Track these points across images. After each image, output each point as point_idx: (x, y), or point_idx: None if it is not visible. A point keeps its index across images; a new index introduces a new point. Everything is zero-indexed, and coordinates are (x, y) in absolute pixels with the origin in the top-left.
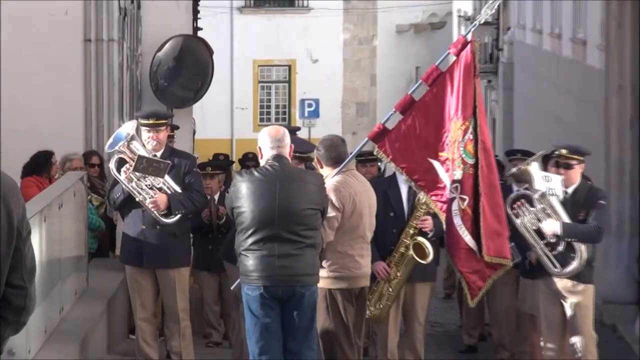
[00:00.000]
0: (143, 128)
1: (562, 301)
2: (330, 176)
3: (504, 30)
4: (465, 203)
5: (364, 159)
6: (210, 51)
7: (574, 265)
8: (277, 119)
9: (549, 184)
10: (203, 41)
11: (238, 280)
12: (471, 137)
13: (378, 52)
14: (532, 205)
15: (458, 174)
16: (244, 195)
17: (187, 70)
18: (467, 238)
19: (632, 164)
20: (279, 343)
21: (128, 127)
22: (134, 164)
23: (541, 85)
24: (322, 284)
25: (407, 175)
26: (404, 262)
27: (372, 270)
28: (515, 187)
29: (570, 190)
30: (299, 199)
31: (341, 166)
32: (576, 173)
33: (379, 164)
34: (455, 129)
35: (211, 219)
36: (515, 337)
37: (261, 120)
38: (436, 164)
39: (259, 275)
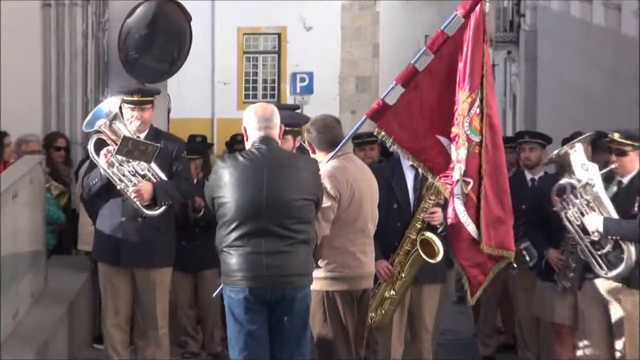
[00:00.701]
0: (126, 105)
1: (608, 306)
2: (324, 161)
3: None
4: (469, 187)
5: (362, 141)
6: (187, 17)
7: (621, 267)
8: (264, 96)
9: (588, 174)
10: (179, 5)
11: (221, 287)
12: (477, 111)
13: (381, 19)
14: (575, 196)
15: (462, 153)
16: (226, 183)
17: (161, 39)
18: (470, 227)
19: None
20: (265, 353)
21: (110, 104)
22: (117, 146)
23: (569, 57)
24: (318, 285)
25: (413, 156)
26: (410, 261)
27: (375, 269)
28: (528, 175)
29: (625, 180)
30: (290, 187)
31: (336, 150)
32: (632, 160)
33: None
34: (460, 101)
35: (186, 212)
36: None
37: (246, 97)
38: (445, 141)
39: (243, 276)
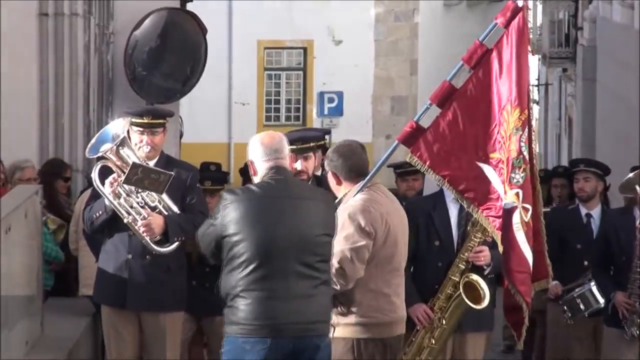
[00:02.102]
0: (134, 129)
1: None
2: (351, 193)
3: (585, 3)
4: (529, 215)
5: (405, 171)
6: (202, 29)
7: None
8: (288, 118)
9: None
10: (193, 16)
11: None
12: (532, 129)
13: (420, 31)
14: None
15: (519, 177)
16: (238, 219)
17: (173, 54)
18: (530, 259)
19: None
20: None
21: (117, 127)
22: (126, 173)
23: (632, 76)
24: (348, 332)
25: (451, 185)
26: (452, 307)
27: (410, 315)
28: (583, 210)
29: None
30: (312, 221)
31: (366, 179)
32: None
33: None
34: (511, 120)
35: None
36: None
37: (268, 119)
38: (487, 168)
39: (263, 324)
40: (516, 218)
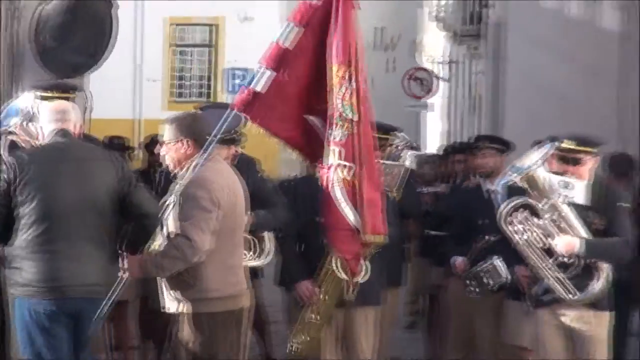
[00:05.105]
0: (42, 103)
1: (570, 333)
2: (195, 162)
3: None
4: (350, 172)
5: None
6: (110, 5)
7: (593, 290)
8: (196, 94)
9: (568, 191)
10: None
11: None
12: (354, 85)
13: None
14: (537, 216)
15: (339, 134)
16: (21, 180)
17: (81, 29)
18: (352, 217)
19: None
20: None
21: (25, 101)
22: None
23: (541, 54)
24: (196, 307)
25: (293, 147)
26: (332, 281)
27: (296, 292)
28: (485, 185)
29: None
30: (96, 183)
31: (208, 150)
32: (587, 170)
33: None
34: (332, 76)
35: None
36: None
37: (176, 95)
38: (319, 122)
39: (48, 286)
40: (334, 175)
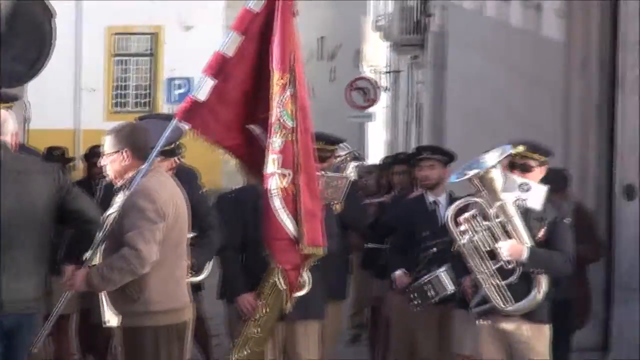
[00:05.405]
0: None
1: (508, 345)
2: (141, 174)
3: None
4: (287, 180)
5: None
6: (49, 13)
7: (534, 299)
8: (136, 104)
9: (526, 195)
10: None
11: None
12: (291, 92)
13: None
14: (485, 218)
15: (277, 142)
16: None
17: (19, 37)
18: (291, 226)
19: (598, 166)
20: None
21: None
22: None
23: (483, 63)
24: (140, 320)
25: (236, 156)
26: (274, 294)
27: (238, 305)
28: (429, 197)
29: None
30: (35, 195)
31: (149, 161)
32: (536, 177)
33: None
34: (274, 84)
35: None
36: None
37: (116, 105)
38: (259, 130)
39: None
40: (273, 184)
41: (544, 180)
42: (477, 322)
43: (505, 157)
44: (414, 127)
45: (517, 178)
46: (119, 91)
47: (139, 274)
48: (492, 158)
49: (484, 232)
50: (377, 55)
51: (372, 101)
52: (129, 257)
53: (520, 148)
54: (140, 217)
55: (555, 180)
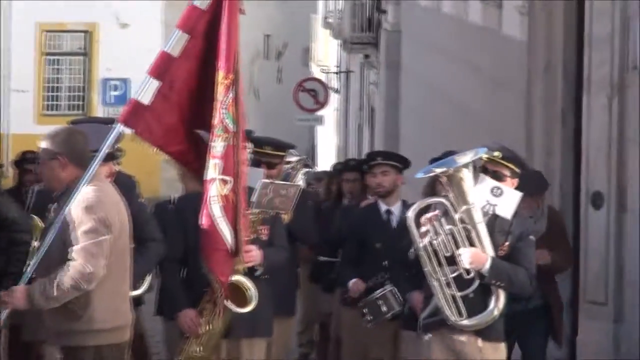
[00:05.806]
0: None
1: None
2: (82, 182)
3: None
4: (228, 187)
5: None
6: None
7: (489, 315)
8: (69, 107)
9: (497, 199)
10: None
11: None
12: (236, 94)
13: None
14: (448, 221)
15: (219, 146)
16: None
17: None
18: (229, 237)
19: (563, 173)
20: None
21: None
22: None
23: (439, 62)
24: (84, 339)
25: (180, 162)
26: (218, 311)
27: (179, 322)
28: (383, 206)
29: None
30: None
31: (91, 169)
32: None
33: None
34: (218, 84)
35: None
36: None
37: (48, 107)
38: (207, 135)
39: None
40: (213, 190)
41: (521, 183)
42: (424, 336)
43: (478, 159)
44: (367, 131)
45: (490, 180)
46: (50, 92)
47: (85, 291)
48: (463, 158)
49: (445, 235)
50: (327, 55)
51: (322, 103)
52: (74, 272)
53: (497, 154)
54: (86, 229)
55: (532, 183)
